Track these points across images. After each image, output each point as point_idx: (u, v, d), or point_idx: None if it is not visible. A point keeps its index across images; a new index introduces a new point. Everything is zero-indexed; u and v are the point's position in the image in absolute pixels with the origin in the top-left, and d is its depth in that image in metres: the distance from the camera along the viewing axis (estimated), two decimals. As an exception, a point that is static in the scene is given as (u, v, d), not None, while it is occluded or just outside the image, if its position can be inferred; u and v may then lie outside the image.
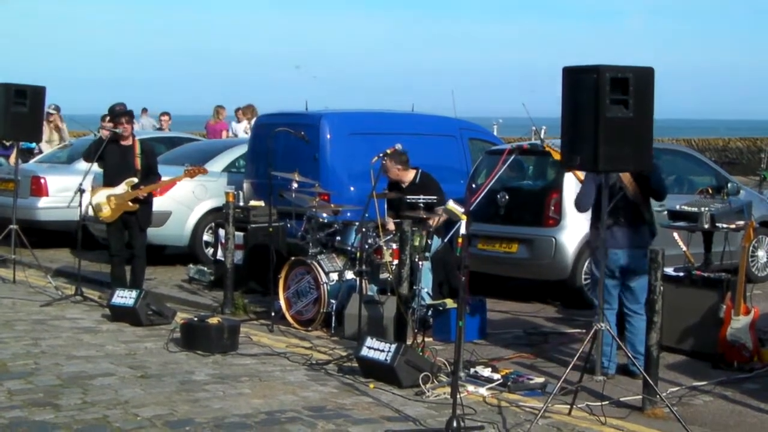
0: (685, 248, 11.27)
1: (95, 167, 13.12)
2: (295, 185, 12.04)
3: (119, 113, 12.88)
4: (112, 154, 12.87)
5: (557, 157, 10.49)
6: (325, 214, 12.12)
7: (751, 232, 10.31)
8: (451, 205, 10.59)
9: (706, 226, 10.94)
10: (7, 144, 19.33)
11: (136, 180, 12.76)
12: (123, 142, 12.89)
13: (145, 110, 30.26)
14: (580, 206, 10.00)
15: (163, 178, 13.35)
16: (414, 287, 10.36)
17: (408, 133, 14.12)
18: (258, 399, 8.56)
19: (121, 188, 12.73)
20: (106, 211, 12.77)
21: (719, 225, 11.08)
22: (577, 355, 8.48)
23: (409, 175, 11.96)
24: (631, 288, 9.64)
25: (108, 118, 13.14)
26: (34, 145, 20.08)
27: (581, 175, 10.09)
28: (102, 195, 12.81)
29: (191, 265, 14.84)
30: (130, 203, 12.73)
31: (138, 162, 12.85)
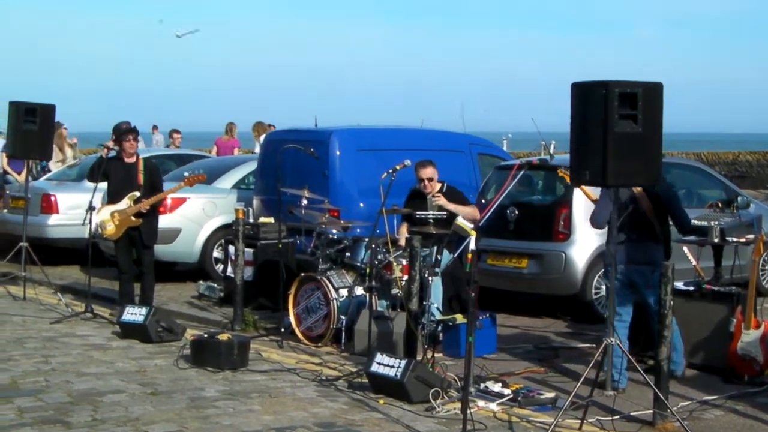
0: (695, 262, 11.26)
1: (104, 185, 13.17)
2: (304, 201, 12.06)
3: (125, 131, 12.91)
4: (115, 171, 12.92)
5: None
6: (334, 230, 12.13)
7: (761, 245, 10.30)
8: (461, 220, 10.62)
9: (716, 240, 10.92)
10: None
11: (138, 194, 12.77)
12: (127, 160, 12.93)
13: (155, 127, 30.33)
14: (596, 222, 9.98)
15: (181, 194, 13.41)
16: (424, 303, 10.37)
17: (417, 149, 14.11)
18: (268, 415, 8.56)
19: (124, 203, 12.76)
20: (110, 229, 12.79)
21: (729, 239, 11.06)
22: (588, 369, 8.47)
23: (437, 187, 12.00)
24: (648, 302, 9.64)
25: (114, 137, 13.18)
26: (45, 164, 20.15)
27: (590, 192, 10.11)
28: (105, 212, 12.84)
29: (201, 282, 14.84)
30: (133, 218, 12.75)
31: (141, 178, 12.88)
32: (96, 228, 13.01)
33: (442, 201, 11.61)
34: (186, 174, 13.82)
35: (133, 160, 12.96)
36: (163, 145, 27.08)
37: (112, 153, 13.06)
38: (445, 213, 11.69)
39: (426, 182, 11.88)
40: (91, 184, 13.22)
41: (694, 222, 11.09)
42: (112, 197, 12.95)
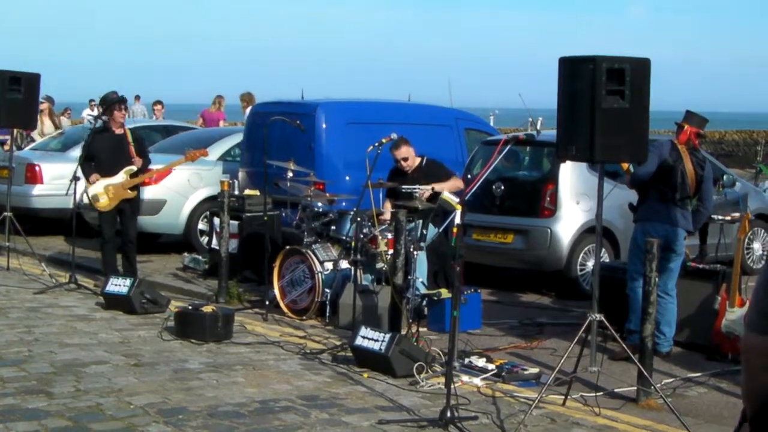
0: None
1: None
2: (290, 174, 12.01)
3: (115, 101, 12.85)
4: (105, 143, 12.84)
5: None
6: (320, 204, 12.09)
7: (746, 224, 10.32)
8: (446, 195, 10.60)
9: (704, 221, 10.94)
10: None
11: (135, 168, 12.76)
12: (116, 131, 12.87)
13: (137, 97, 30.16)
14: (637, 177, 10.04)
15: (160, 165, 13.40)
16: (409, 277, 10.35)
17: (404, 123, 14.08)
18: (252, 388, 8.54)
19: (120, 177, 12.72)
20: (103, 201, 12.75)
21: (715, 217, 11.09)
22: (571, 345, 8.46)
23: (416, 162, 11.95)
24: (660, 268, 9.62)
25: (102, 107, 13.11)
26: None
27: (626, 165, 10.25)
28: (99, 185, 12.76)
29: (186, 254, 14.82)
30: (129, 191, 12.73)
31: (132, 150, 12.83)
32: (81, 199, 12.94)
33: (427, 195, 11.50)
34: (188, 150, 13.80)
35: (121, 131, 12.91)
36: (145, 116, 26.94)
37: (99, 123, 13.00)
38: (431, 188, 11.66)
39: (402, 162, 11.86)
40: (76, 155, 13.14)
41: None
42: (106, 170, 12.83)
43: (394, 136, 11.24)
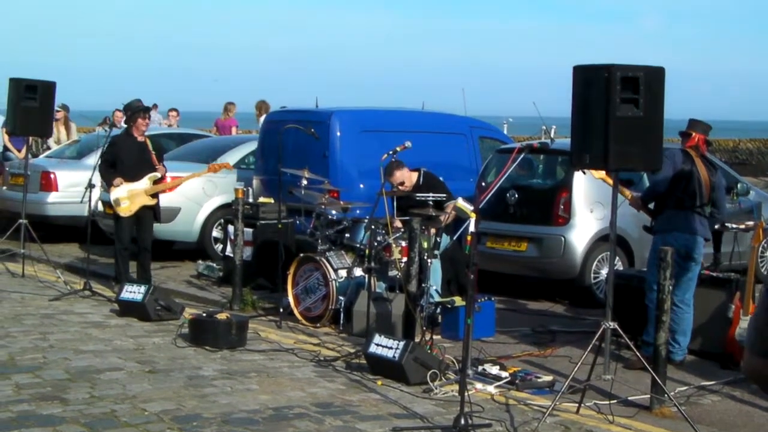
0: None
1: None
2: (304, 182, 12.04)
3: (139, 109, 12.95)
4: (128, 150, 12.92)
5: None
6: (334, 211, 12.11)
7: (760, 232, 10.29)
8: (461, 202, 10.61)
9: (716, 227, 10.92)
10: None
11: (159, 175, 12.84)
12: (139, 139, 12.94)
13: (155, 106, 30.26)
14: (655, 184, 10.08)
15: (178, 173, 13.50)
16: (423, 285, 10.35)
17: (418, 131, 14.10)
18: (265, 395, 8.56)
19: (143, 183, 12.80)
20: (125, 206, 12.80)
21: (729, 225, 11.06)
22: (585, 353, 8.46)
23: (413, 178, 11.92)
24: (679, 278, 9.62)
25: (125, 113, 13.20)
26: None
27: (598, 173, 10.18)
28: (123, 190, 12.82)
29: (200, 261, 14.85)
30: (150, 198, 12.80)
31: (154, 158, 12.93)
32: (96, 206, 13.00)
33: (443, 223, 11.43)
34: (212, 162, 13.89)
35: (142, 139, 12.99)
36: (157, 124, 27.02)
37: (115, 131, 13.06)
38: (444, 195, 11.67)
39: (400, 187, 11.81)
40: (91, 163, 13.21)
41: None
42: (128, 175, 12.88)
43: (408, 144, 11.24)
